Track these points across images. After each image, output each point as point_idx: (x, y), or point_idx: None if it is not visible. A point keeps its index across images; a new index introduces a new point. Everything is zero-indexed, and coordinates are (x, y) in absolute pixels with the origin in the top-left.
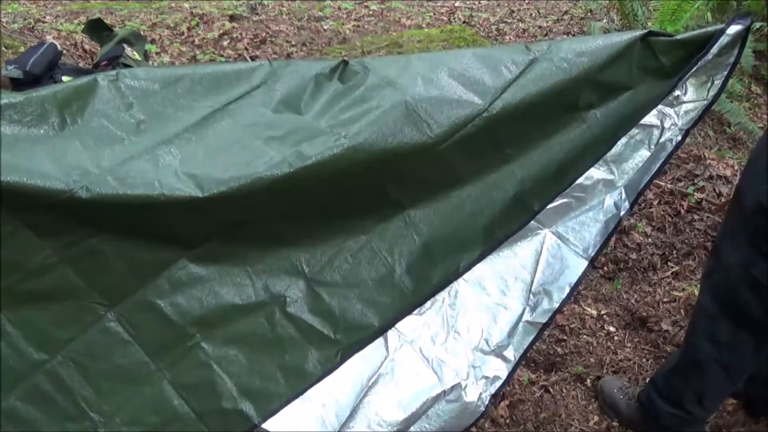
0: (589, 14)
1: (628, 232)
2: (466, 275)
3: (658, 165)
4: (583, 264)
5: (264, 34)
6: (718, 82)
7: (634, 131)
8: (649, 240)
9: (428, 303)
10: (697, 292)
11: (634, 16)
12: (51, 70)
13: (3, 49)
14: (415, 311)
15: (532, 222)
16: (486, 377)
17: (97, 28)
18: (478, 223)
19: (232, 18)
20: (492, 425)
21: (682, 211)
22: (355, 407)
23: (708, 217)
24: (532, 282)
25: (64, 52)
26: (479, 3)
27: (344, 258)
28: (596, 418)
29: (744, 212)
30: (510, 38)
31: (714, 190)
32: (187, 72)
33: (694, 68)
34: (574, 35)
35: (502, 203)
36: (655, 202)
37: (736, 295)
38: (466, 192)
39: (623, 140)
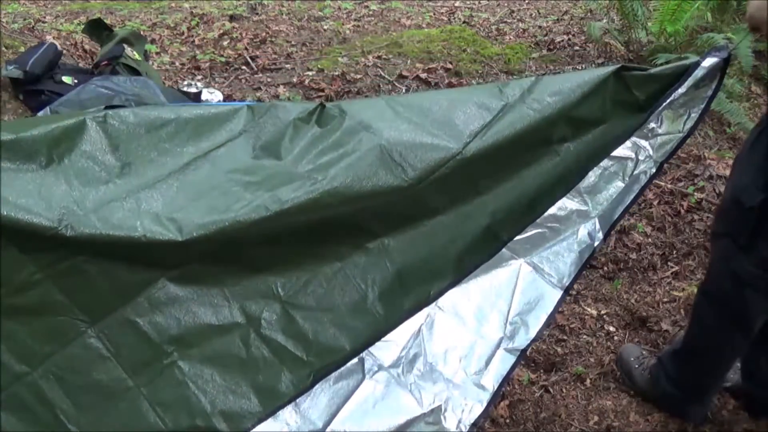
0: (589, 14)
1: (628, 232)
2: (443, 304)
3: (632, 197)
4: (558, 294)
5: (264, 34)
6: (694, 115)
7: (608, 163)
8: (649, 240)
9: (406, 332)
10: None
11: (634, 16)
12: (51, 70)
13: (3, 49)
14: (393, 339)
15: (507, 252)
16: (465, 405)
17: (97, 28)
18: (449, 252)
19: (232, 18)
20: (492, 425)
21: (682, 211)
22: (329, 426)
23: (708, 217)
24: (508, 312)
25: (64, 52)
26: (479, 3)
27: (319, 283)
28: (596, 418)
29: (724, 207)
30: (510, 38)
31: (714, 190)
32: (172, 117)
33: (668, 101)
34: (573, 35)
35: (474, 234)
36: (655, 202)
37: (720, 288)
38: (440, 222)
39: (597, 171)
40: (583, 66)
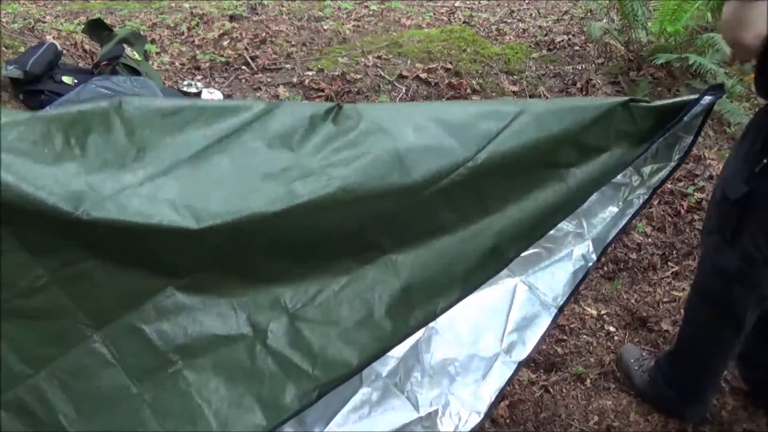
0: (589, 14)
1: (628, 232)
2: (440, 320)
3: (625, 221)
4: (553, 312)
5: (264, 34)
6: (684, 146)
7: (604, 188)
8: (649, 240)
9: (403, 346)
10: None
11: (634, 16)
12: (51, 70)
13: (3, 49)
14: (390, 353)
15: (504, 271)
16: (462, 413)
17: (97, 28)
18: (456, 269)
19: (232, 18)
20: (492, 425)
21: (682, 211)
22: (325, 430)
23: None
24: (504, 328)
25: (64, 52)
26: (479, 3)
27: (326, 296)
28: (596, 418)
29: (713, 203)
30: (510, 38)
31: None
32: (186, 104)
33: (667, 134)
34: (573, 35)
35: (481, 252)
36: (655, 202)
37: (709, 286)
38: (447, 240)
39: (594, 197)
40: (583, 66)
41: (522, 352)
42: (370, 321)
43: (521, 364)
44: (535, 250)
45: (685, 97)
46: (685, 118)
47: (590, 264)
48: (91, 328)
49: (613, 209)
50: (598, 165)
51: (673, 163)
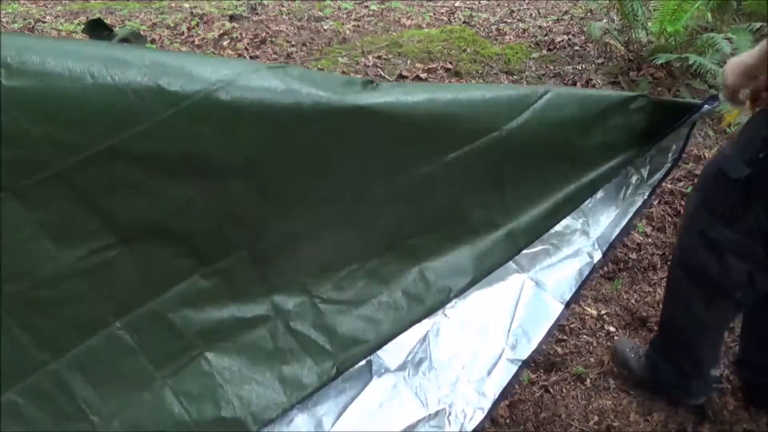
0: (589, 14)
1: (628, 232)
2: (449, 313)
3: (627, 219)
4: (560, 308)
5: (264, 34)
6: (676, 148)
7: (607, 186)
8: (649, 240)
9: (413, 338)
10: None
11: (634, 16)
12: None
13: None
14: (399, 344)
15: (512, 266)
16: (466, 411)
17: (97, 28)
18: (470, 253)
19: (232, 18)
20: (492, 425)
21: (682, 211)
22: (335, 425)
23: None
24: (511, 323)
25: None
26: (479, 3)
27: (347, 277)
28: (596, 418)
29: (705, 180)
30: (510, 38)
31: None
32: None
33: (669, 135)
34: (573, 35)
35: (495, 239)
36: (655, 202)
37: (697, 258)
38: (463, 224)
39: (598, 195)
40: (583, 66)
41: (526, 349)
42: (388, 301)
43: (525, 363)
44: (543, 246)
45: (687, 101)
46: (687, 124)
47: (596, 262)
48: (114, 316)
49: (616, 208)
50: (606, 159)
51: (668, 164)
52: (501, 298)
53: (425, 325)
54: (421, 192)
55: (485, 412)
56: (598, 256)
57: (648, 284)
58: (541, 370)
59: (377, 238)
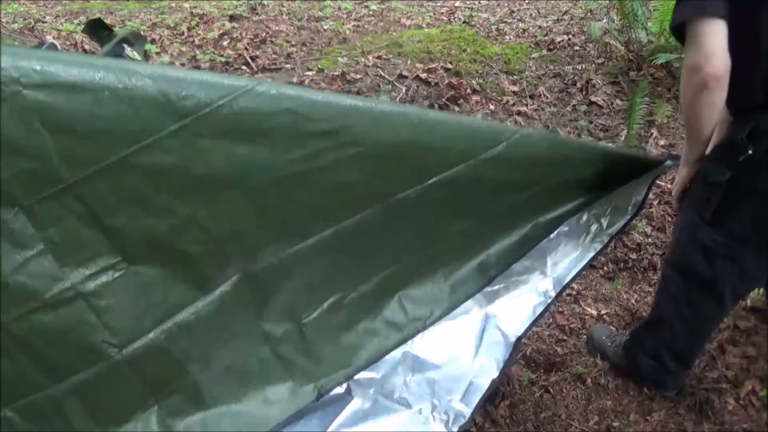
0: (589, 14)
1: (628, 232)
2: (416, 346)
3: (583, 263)
4: (513, 341)
5: (264, 34)
6: (636, 201)
7: (566, 230)
8: (649, 240)
9: (386, 365)
10: None
11: (634, 16)
12: None
13: None
14: (374, 372)
15: (471, 302)
16: (448, 413)
17: (97, 28)
18: (446, 283)
19: (232, 18)
20: (492, 425)
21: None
22: None
23: None
24: (475, 354)
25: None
26: (479, 3)
27: (335, 309)
28: (596, 417)
29: (694, 183)
30: (510, 38)
31: None
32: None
33: (629, 187)
34: (573, 35)
35: (469, 268)
36: (655, 202)
37: (688, 258)
38: (441, 252)
39: (557, 238)
40: (583, 66)
41: (489, 377)
42: (369, 328)
43: (491, 387)
44: (503, 284)
45: (650, 156)
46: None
47: (549, 301)
48: (115, 347)
49: (574, 252)
50: (570, 199)
51: (628, 216)
52: (464, 331)
53: (396, 354)
54: (402, 220)
55: (467, 417)
56: (551, 295)
57: (648, 284)
58: (541, 370)
59: (362, 266)
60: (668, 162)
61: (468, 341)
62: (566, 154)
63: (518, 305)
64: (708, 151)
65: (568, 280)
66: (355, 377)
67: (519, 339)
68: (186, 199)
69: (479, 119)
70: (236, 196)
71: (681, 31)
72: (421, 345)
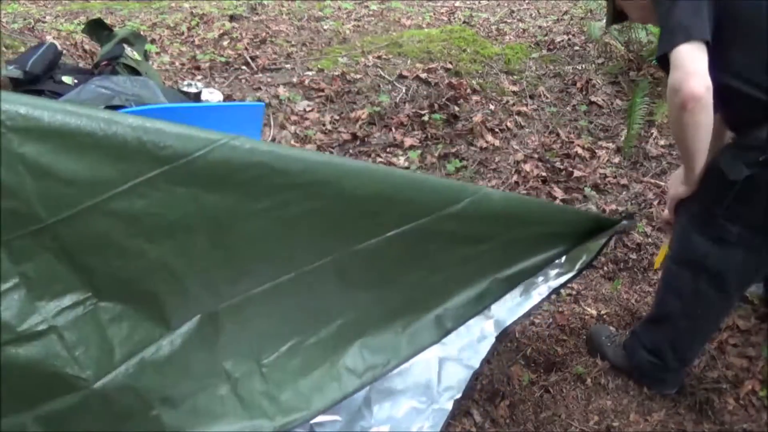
0: (589, 14)
1: (628, 232)
2: (377, 384)
3: (523, 310)
4: (469, 372)
5: (264, 34)
6: (585, 259)
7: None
8: (649, 240)
9: (347, 407)
10: None
11: None
12: (51, 70)
13: (3, 49)
14: (335, 414)
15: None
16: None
17: (97, 28)
18: (404, 333)
19: (232, 18)
20: (492, 425)
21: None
22: None
23: None
24: (436, 386)
25: (64, 52)
26: (479, 3)
27: (294, 352)
28: (596, 417)
29: (706, 179)
30: (510, 38)
31: None
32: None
33: (581, 246)
34: (573, 35)
35: (426, 320)
36: (655, 202)
37: (695, 252)
38: (399, 308)
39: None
40: (583, 66)
41: (449, 403)
42: (329, 374)
43: (458, 402)
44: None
45: (607, 218)
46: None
47: (490, 343)
48: (85, 381)
49: (517, 298)
50: (527, 257)
51: (573, 273)
52: (421, 369)
53: (358, 396)
54: (362, 269)
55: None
56: (493, 335)
57: (648, 284)
58: (541, 370)
59: (322, 312)
60: (624, 222)
61: (424, 378)
62: (526, 213)
63: (467, 344)
64: (727, 149)
65: (508, 324)
66: (319, 420)
67: (476, 371)
68: (156, 242)
69: (445, 178)
70: (203, 240)
71: (666, 60)
72: (378, 385)
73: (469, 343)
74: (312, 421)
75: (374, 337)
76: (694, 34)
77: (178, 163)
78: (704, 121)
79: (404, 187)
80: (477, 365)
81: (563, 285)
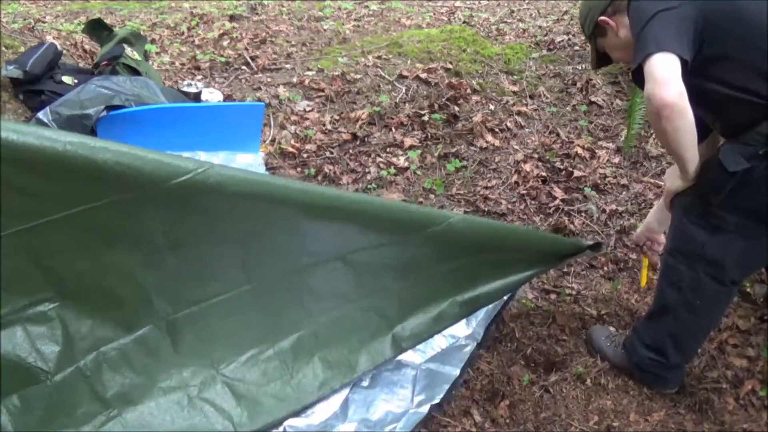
0: None
1: (628, 232)
2: (354, 395)
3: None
4: (448, 378)
5: (264, 34)
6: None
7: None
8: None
9: (324, 405)
10: None
11: None
12: (51, 70)
13: (3, 49)
14: (312, 412)
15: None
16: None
17: (97, 28)
18: (360, 349)
19: (232, 18)
20: (492, 425)
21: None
22: None
23: None
24: (413, 391)
25: (64, 52)
26: (479, 3)
27: (254, 361)
28: (596, 417)
29: (705, 171)
30: (510, 38)
31: None
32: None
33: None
34: (573, 35)
35: (383, 339)
36: (655, 202)
37: (693, 243)
38: (356, 324)
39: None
40: (583, 66)
41: (432, 401)
42: (288, 383)
43: (433, 406)
44: (389, 366)
45: (576, 242)
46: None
47: (472, 347)
48: (45, 372)
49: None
50: (493, 278)
51: (502, 301)
52: (397, 372)
53: (337, 398)
54: (320, 284)
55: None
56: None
57: (648, 284)
58: (541, 370)
59: (279, 324)
60: (588, 252)
61: (403, 390)
62: (497, 238)
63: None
64: (727, 142)
65: (486, 327)
66: (294, 425)
67: (431, 405)
68: (121, 253)
69: (415, 205)
70: (164, 251)
71: (641, 74)
72: (356, 397)
73: (449, 349)
74: (285, 424)
75: (332, 351)
76: (663, 46)
77: (150, 188)
78: (683, 125)
79: (369, 211)
80: (457, 372)
81: (500, 311)
